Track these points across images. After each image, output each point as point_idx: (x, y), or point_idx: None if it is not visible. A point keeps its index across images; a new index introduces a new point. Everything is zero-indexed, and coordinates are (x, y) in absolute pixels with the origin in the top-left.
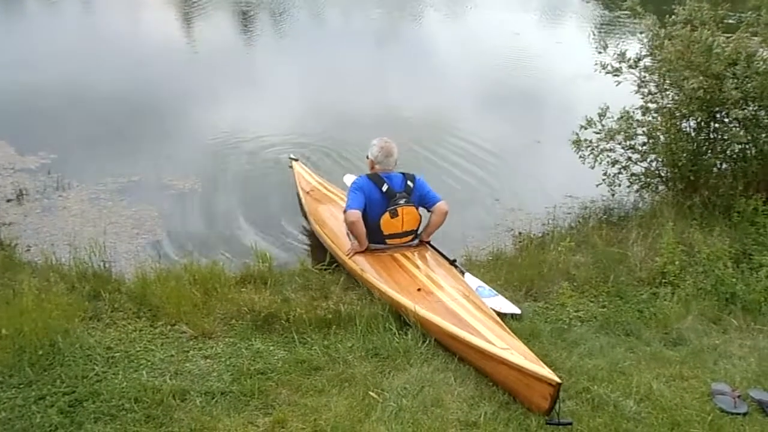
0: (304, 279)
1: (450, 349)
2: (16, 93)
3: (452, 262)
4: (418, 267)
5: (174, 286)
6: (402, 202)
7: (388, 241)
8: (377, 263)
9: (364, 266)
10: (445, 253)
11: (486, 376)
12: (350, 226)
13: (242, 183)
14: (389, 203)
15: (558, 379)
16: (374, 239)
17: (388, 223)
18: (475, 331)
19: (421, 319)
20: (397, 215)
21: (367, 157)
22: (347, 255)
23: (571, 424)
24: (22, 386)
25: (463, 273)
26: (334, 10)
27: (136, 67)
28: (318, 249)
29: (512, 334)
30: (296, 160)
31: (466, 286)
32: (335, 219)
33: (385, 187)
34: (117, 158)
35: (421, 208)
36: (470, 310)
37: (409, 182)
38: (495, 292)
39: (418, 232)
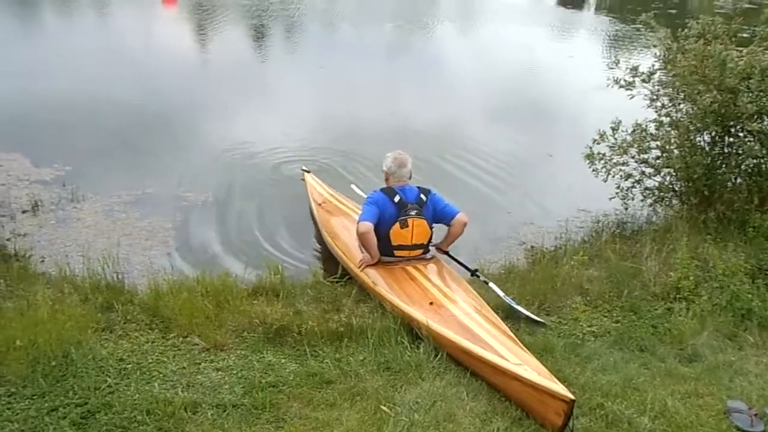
0: (316, 291)
1: (462, 363)
2: (32, 105)
3: (474, 273)
4: (430, 280)
5: (186, 297)
6: (413, 213)
7: (396, 252)
8: (389, 276)
9: (376, 279)
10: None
11: (499, 392)
12: (361, 238)
13: (254, 195)
14: (400, 213)
15: (572, 396)
16: (383, 251)
17: (397, 234)
18: (488, 346)
19: (434, 333)
20: (407, 226)
21: (383, 171)
22: (358, 267)
23: None
24: (35, 397)
25: (486, 283)
26: (346, 23)
27: (150, 80)
28: (330, 261)
29: (525, 349)
30: (308, 171)
31: (479, 300)
32: (347, 231)
33: (397, 198)
34: (131, 170)
35: (434, 224)
36: (483, 324)
37: (422, 195)
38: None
39: (429, 245)
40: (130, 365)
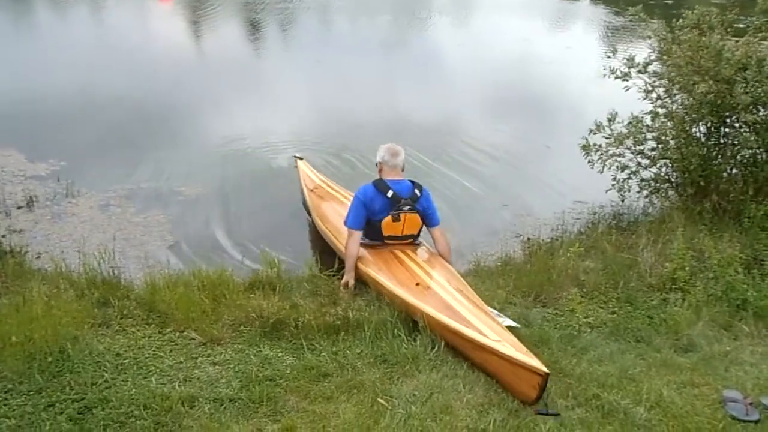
0: (313, 285)
1: (446, 340)
2: (27, 100)
3: None
4: (416, 263)
5: (183, 292)
6: (406, 208)
7: (387, 242)
8: (378, 258)
9: (366, 260)
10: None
11: (479, 368)
12: (348, 240)
13: (250, 189)
14: (393, 207)
15: (546, 369)
16: (374, 236)
17: (389, 226)
18: (469, 324)
19: (419, 311)
20: (399, 220)
21: (377, 163)
22: (341, 291)
23: (558, 415)
24: (31, 393)
25: None
26: (342, 17)
27: (145, 75)
28: (326, 254)
29: (504, 327)
30: (301, 159)
31: (462, 282)
32: (338, 216)
33: (390, 193)
34: (126, 165)
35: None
36: (465, 304)
37: (416, 190)
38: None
39: (419, 235)
40: (126, 360)
